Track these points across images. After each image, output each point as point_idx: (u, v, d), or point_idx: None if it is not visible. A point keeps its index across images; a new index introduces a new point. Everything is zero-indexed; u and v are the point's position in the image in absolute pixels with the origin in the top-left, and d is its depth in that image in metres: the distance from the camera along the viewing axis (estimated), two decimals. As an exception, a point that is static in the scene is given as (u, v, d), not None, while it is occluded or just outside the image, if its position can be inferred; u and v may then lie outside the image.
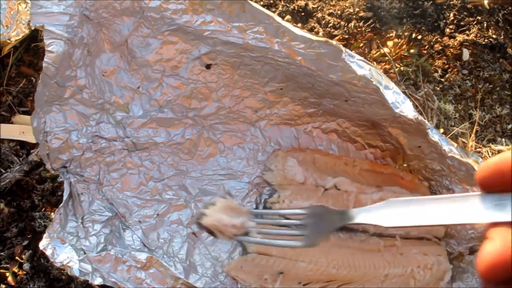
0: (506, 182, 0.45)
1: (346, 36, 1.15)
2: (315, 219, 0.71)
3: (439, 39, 1.17)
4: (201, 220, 0.74)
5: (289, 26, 0.79)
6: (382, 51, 1.13)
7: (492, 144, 1.08)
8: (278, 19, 0.79)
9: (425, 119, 0.80)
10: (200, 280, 0.88)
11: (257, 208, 0.96)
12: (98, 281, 0.77)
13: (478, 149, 1.05)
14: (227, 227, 0.74)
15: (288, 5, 1.16)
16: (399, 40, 1.15)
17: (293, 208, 0.85)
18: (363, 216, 0.64)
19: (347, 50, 0.79)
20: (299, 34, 0.78)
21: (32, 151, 0.99)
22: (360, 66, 0.78)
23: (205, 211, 0.74)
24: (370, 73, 0.78)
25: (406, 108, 0.79)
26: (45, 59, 0.76)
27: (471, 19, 1.20)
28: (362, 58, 0.79)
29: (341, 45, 0.78)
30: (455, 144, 0.83)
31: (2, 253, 0.92)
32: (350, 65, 0.78)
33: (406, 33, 1.16)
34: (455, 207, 0.51)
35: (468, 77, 1.15)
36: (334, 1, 1.19)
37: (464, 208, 0.50)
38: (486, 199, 0.48)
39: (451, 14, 1.20)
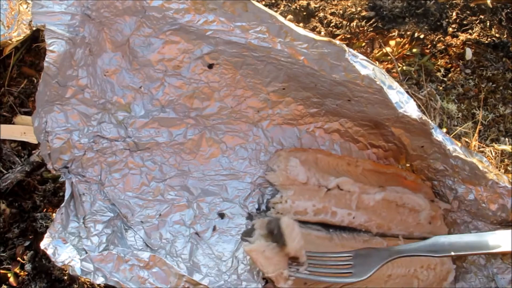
0: None
1: (348, 36, 1.14)
2: (361, 259, 0.79)
3: (441, 38, 1.17)
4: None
5: (292, 25, 0.79)
6: (384, 50, 1.13)
7: (496, 143, 1.07)
8: (281, 18, 0.78)
9: (428, 118, 0.79)
10: (204, 280, 0.87)
11: (259, 208, 0.95)
12: (100, 280, 0.77)
13: (481, 149, 1.05)
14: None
15: (290, 4, 1.16)
16: (402, 39, 1.15)
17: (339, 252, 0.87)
18: (412, 249, 0.77)
19: (351, 49, 0.78)
20: (302, 33, 0.78)
21: (33, 151, 0.99)
22: (364, 66, 0.78)
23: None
24: (373, 73, 0.78)
25: (410, 108, 0.79)
26: (46, 59, 0.76)
27: (474, 18, 1.19)
28: (365, 57, 0.79)
29: (344, 45, 0.77)
30: (459, 144, 0.83)
31: (3, 254, 0.92)
32: (353, 64, 0.77)
33: (408, 33, 1.16)
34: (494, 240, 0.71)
35: (471, 77, 1.14)
36: (336, 0, 1.18)
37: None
38: None
39: (454, 13, 1.19)
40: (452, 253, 0.73)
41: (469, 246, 0.72)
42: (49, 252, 0.78)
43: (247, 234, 0.90)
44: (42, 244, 0.79)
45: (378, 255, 0.78)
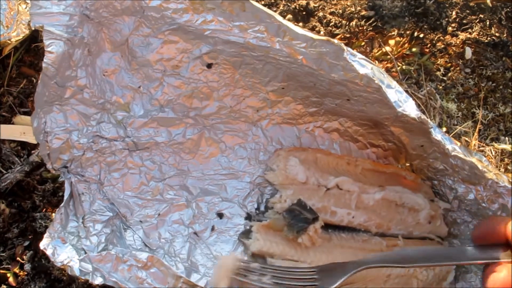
0: (493, 238, 0.70)
1: (348, 35, 1.14)
2: (326, 273, 0.77)
3: (441, 38, 1.16)
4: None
5: (290, 25, 0.78)
6: (384, 49, 1.13)
7: (495, 142, 1.07)
8: (279, 18, 0.78)
9: (427, 118, 0.79)
10: (202, 280, 0.87)
11: (258, 208, 0.95)
12: (98, 280, 0.77)
13: (481, 148, 1.05)
14: None
15: (289, 4, 1.16)
16: (401, 38, 1.14)
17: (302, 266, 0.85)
18: (378, 260, 0.75)
19: (349, 49, 0.78)
20: (300, 33, 0.78)
21: (33, 151, 0.99)
22: (362, 65, 0.78)
23: None
24: (372, 72, 0.78)
25: (409, 107, 0.79)
26: (44, 60, 0.76)
27: (473, 17, 1.19)
28: (364, 57, 0.79)
29: (342, 44, 0.77)
30: (458, 143, 0.83)
31: (3, 254, 0.92)
32: (352, 64, 0.77)
33: (408, 32, 1.16)
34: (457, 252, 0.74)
35: (471, 76, 1.14)
36: (335, 0, 1.18)
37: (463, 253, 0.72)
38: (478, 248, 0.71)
39: (454, 12, 1.19)
40: (419, 264, 0.75)
41: (438, 257, 0.73)
42: (49, 252, 0.78)
43: (245, 235, 0.91)
44: (42, 244, 0.79)
45: (343, 267, 0.77)
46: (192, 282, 0.76)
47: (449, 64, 1.15)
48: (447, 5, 1.19)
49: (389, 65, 1.12)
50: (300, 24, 1.14)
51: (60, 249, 0.79)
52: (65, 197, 0.86)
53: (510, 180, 0.82)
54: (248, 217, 0.94)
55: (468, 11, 1.19)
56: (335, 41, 0.77)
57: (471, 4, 1.20)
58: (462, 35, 1.17)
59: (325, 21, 1.15)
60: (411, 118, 0.78)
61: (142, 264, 0.78)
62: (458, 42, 1.16)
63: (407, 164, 0.97)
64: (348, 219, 0.90)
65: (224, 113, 0.95)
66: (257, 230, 0.88)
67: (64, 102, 0.85)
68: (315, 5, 1.17)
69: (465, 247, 0.74)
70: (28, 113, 1.03)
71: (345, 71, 0.79)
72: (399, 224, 0.91)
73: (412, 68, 1.12)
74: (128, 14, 0.84)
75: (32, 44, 1.07)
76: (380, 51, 1.12)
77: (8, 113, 1.03)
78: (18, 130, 1.00)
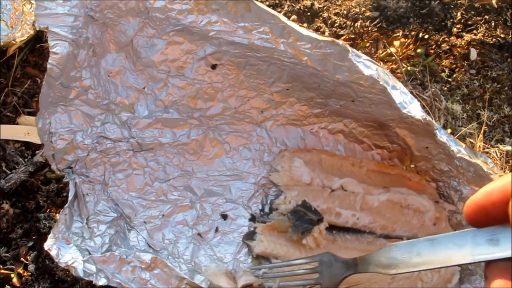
0: (491, 217, 0.46)
1: (353, 36, 1.14)
2: (326, 266, 0.76)
3: (446, 39, 1.16)
4: None
5: (295, 26, 0.78)
6: (388, 51, 1.12)
7: (501, 144, 1.06)
8: (284, 19, 0.78)
9: (432, 119, 0.79)
10: (205, 281, 0.87)
11: (263, 209, 0.95)
12: (102, 281, 0.76)
13: (486, 150, 1.04)
14: None
15: (294, 5, 1.16)
16: (406, 39, 1.14)
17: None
18: (366, 265, 0.68)
19: (354, 50, 0.78)
20: (305, 34, 0.78)
21: (37, 152, 0.99)
22: (367, 66, 0.78)
23: None
24: (377, 73, 0.78)
25: (414, 108, 0.78)
26: (49, 61, 0.76)
27: (478, 18, 1.19)
28: (369, 58, 0.79)
29: (347, 45, 0.77)
30: (464, 145, 0.82)
31: (7, 254, 0.92)
32: (357, 65, 0.77)
33: (413, 33, 1.15)
34: (452, 248, 0.51)
35: (476, 77, 1.14)
36: (340, 0, 1.18)
37: (460, 248, 0.50)
38: (478, 235, 0.48)
39: (459, 13, 1.19)
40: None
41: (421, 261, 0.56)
42: (53, 253, 0.78)
43: (249, 237, 0.90)
44: (46, 245, 0.79)
45: (339, 269, 0.75)
46: (195, 283, 0.76)
47: (454, 65, 1.14)
48: (452, 6, 1.19)
49: (394, 66, 1.11)
50: (305, 25, 1.14)
51: (64, 250, 0.79)
52: (70, 198, 0.86)
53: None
54: (252, 219, 0.94)
55: (473, 12, 1.19)
56: (340, 42, 0.77)
57: (476, 5, 1.20)
58: (467, 36, 1.16)
59: (329, 22, 1.15)
60: (416, 119, 0.78)
61: (146, 265, 0.77)
62: (463, 43, 1.15)
63: (412, 166, 0.97)
64: (352, 221, 0.89)
65: (229, 114, 0.95)
66: (261, 231, 0.87)
67: (69, 103, 0.85)
68: (320, 6, 1.17)
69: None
70: (32, 114, 1.03)
71: (350, 72, 0.79)
72: (404, 226, 0.91)
73: (417, 69, 1.12)
74: (132, 15, 0.84)
75: (37, 44, 1.07)
76: (385, 52, 1.12)
77: (12, 113, 1.03)
78: (22, 131, 1.00)
